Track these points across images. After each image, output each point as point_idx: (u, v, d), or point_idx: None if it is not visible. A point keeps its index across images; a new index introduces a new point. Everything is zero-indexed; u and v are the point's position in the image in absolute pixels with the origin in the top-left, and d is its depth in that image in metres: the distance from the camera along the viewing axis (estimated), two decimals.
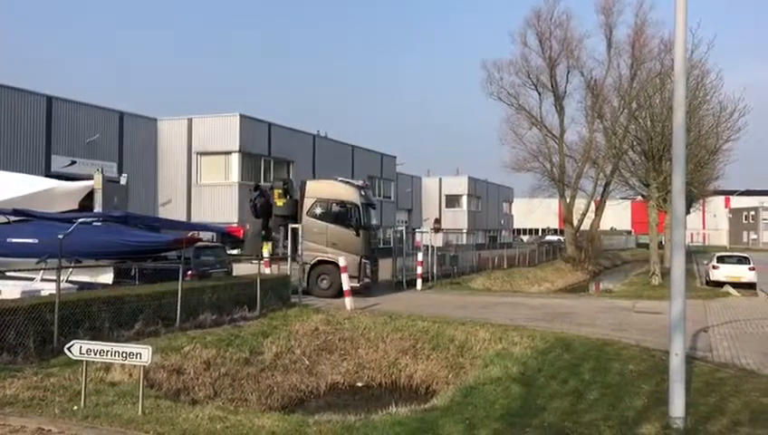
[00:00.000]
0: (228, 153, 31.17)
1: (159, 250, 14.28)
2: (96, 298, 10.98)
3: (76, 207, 15.36)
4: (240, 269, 17.77)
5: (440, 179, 62.97)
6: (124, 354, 7.53)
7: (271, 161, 33.49)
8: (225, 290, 14.10)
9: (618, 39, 42.10)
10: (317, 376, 13.00)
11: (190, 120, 31.96)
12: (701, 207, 62.03)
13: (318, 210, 19.81)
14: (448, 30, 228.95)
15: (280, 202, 20.27)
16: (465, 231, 58.97)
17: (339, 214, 19.88)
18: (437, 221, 45.61)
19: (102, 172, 16.08)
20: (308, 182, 20.60)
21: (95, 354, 7.62)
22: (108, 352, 7.59)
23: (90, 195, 15.58)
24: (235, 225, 26.47)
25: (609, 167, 40.39)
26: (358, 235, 19.71)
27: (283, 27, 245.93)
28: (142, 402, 7.61)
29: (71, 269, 12.61)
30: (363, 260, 19.72)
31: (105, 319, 10.79)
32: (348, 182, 21.02)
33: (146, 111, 32.18)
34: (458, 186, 62.35)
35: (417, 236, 30.74)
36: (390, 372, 13.52)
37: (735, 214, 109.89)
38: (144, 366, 7.71)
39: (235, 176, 30.99)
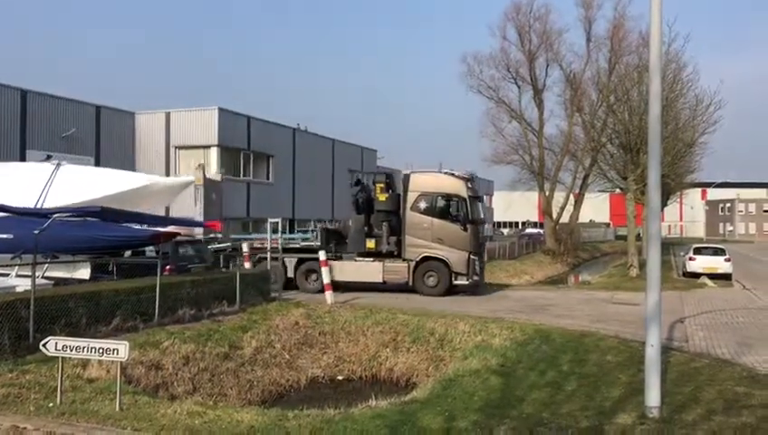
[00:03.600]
0: (207, 147, 30.86)
1: (138, 245, 14.14)
2: (73, 294, 10.83)
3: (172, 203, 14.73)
4: (341, 267, 18.45)
5: None
6: (101, 350, 7.46)
7: (250, 155, 33.28)
8: (205, 285, 13.97)
9: (597, 33, 42.49)
10: (297, 370, 13.00)
11: (168, 114, 31.61)
12: (678, 200, 62.70)
13: (422, 204, 18.96)
14: (428, 21, 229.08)
15: (382, 197, 19.26)
16: None
17: (444, 208, 19.01)
18: None
19: (203, 168, 15.42)
20: (411, 175, 19.53)
21: (71, 351, 7.54)
22: (84, 348, 7.51)
23: None
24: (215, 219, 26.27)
25: (588, 160, 40.77)
26: (465, 229, 18.69)
27: (268, 23, 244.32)
28: (120, 398, 7.55)
29: (46, 265, 12.45)
30: (471, 256, 18.67)
31: (82, 315, 10.65)
32: (453, 174, 19.84)
33: (123, 105, 31.89)
34: None
35: None
36: (371, 366, 13.56)
37: (712, 206, 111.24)
38: (121, 362, 7.64)
39: (213, 170, 30.74)
